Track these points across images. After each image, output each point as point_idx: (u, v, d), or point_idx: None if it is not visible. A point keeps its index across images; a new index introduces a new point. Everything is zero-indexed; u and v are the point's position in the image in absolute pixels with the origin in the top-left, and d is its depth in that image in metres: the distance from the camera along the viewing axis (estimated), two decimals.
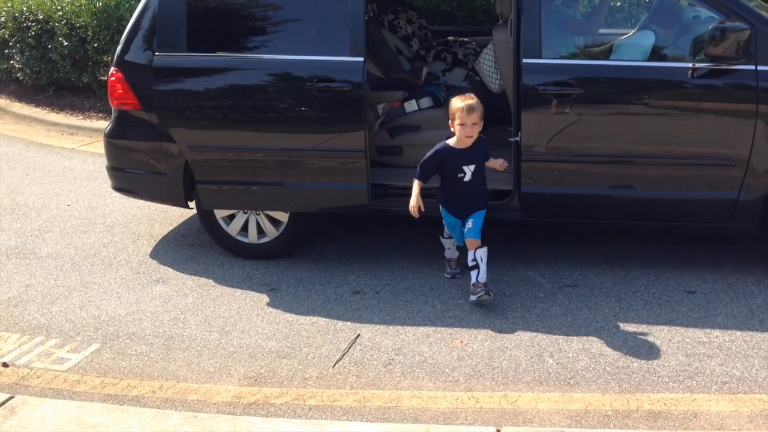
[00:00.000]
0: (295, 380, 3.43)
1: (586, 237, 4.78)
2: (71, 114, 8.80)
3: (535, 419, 3.06)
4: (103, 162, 5.13)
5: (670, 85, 4.01)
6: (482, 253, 3.94)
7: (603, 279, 4.25)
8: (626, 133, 4.07)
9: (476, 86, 5.69)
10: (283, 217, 4.64)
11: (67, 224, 5.52)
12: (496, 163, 4.09)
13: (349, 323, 3.91)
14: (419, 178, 4.00)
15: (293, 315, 4.03)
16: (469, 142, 3.94)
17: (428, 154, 4.01)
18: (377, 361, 3.55)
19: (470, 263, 3.94)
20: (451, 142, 4.00)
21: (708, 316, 3.79)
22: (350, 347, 3.68)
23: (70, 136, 8.22)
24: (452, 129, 3.96)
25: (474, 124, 3.89)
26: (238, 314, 4.07)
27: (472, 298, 3.94)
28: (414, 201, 3.94)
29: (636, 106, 4.04)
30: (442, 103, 4.99)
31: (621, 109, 4.08)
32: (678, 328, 3.70)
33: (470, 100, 3.89)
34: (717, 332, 3.65)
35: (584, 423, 3.02)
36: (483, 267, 3.93)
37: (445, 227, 4.26)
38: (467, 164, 3.99)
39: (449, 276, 4.34)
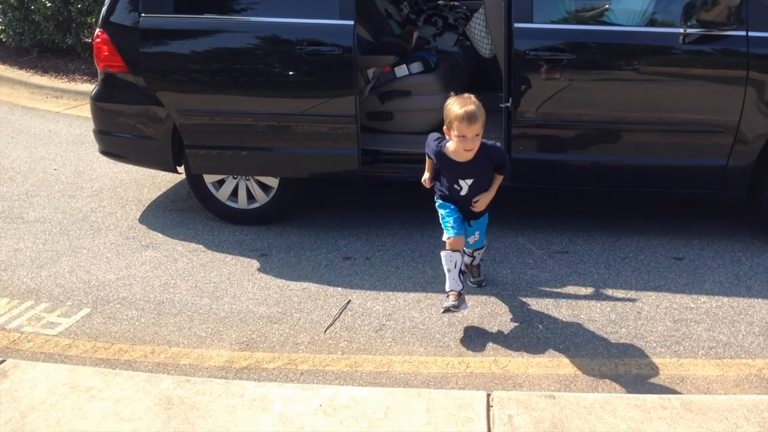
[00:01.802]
0: (287, 345, 3.45)
1: (575, 204, 4.80)
2: (56, 76, 8.67)
3: (525, 384, 3.10)
4: (89, 126, 5.08)
5: (661, 51, 4.00)
6: (482, 251, 3.81)
7: (592, 246, 4.28)
8: (617, 99, 4.06)
9: (467, 51, 5.66)
10: (273, 182, 4.62)
11: (54, 188, 5.47)
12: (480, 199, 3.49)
13: (339, 289, 3.92)
14: (433, 154, 3.48)
15: (284, 281, 4.03)
16: (469, 156, 3.33)
17: (427, 146, 3.48)
18: (368, 327, 3.57)
19: (467, 254, 3.75)
20: (449, 148, 3.38)
21: (695, 282, 3.84)
22: (341, 313, 3.70)
23: (54, 99, 8.11)
24: (447, 137, 3.36)
25: (477, 135, 3.24)
26: (229, 280, 4.07)
27: (471, 281, 3.83)
28: (429, 174, 3.57)
29: (627, 71, 4.03)
30: (432, 68, 4.96)
31: (612, 74, 4.07)
32: (666, 294, 3.74)
33: (471, 105, 3.20)
34: (704, 298, 3.69)
35: (573, 387, 3.06)
36: (478, 255, 3.79)
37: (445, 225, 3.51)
38: (463, 178, 3.42)
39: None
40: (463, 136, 3.21)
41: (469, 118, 3.16)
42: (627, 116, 4.07)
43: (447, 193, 3.49)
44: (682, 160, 4.09)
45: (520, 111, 4.12)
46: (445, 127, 3.29)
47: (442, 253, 3.45)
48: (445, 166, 3.41)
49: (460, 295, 3.40)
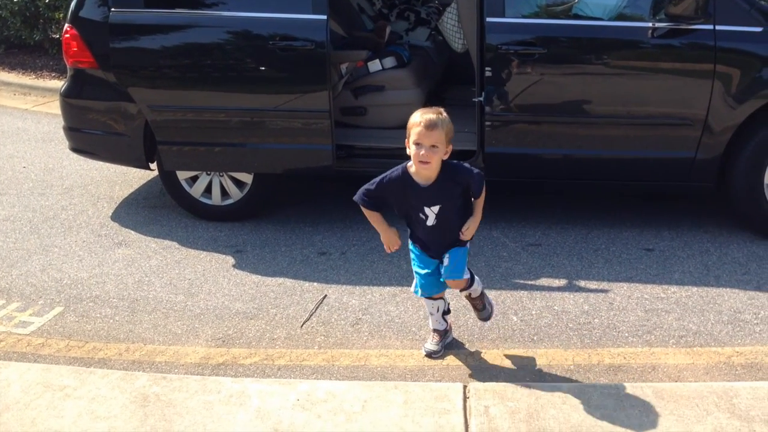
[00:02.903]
0: (263, 341, 3.45)
1: (548, 197, 4.85)
2: (23, 73, 8.53)
3: (501, 375, 3.13)
4: (58, 123, 5.01)
5: (631, 45, 4.05)
6: (472, 291, 3.18)
7: (565, 238, 4.33)
8: (588, 93, 4.12)
9: (439, 45, 5.69)
10: (247, 178, 4.60)
11: (24, 186, 5.40)
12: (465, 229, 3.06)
13: (315, 284, 3.92)
14: (359, 202, 3.05)
15: (260, 276, 4.02)
16: (425, 173, 2.91)
17: (377, 178, 3.02)
18: (345, 321, 3.58)
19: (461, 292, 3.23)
20: (411, 168, 2.99)
21: (665, 273, 3.90)
22: (317, 308, 3.70)
23: (22, 96, 7.98)
24: (407, 150, 2.93)
25: (433, 146, 2.83)
26: (204, 276, 4.05)
27: (478, 315, 3.32)
28: (384, 236, 3.10)
29: (597, 65, 4.09)
30: (405, 63, 4.98)
31: (582, 68, 4.12)
32: (637, 284, 3.80)
33: (433, 114, 2.85)
34: (674, 288, 3.76)
35: (548, 378, 3.10)
36: (475, 288, 3.18)
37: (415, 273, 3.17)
38: (428, 204, 2.98)
39: (425, 353, 3.26)
40: (418, 144, 2.83)
41: (428, 124, 2.81)
42: (598, 110, 4.12)
43: (413, 229, 3.10)
44: (651, 152, 4.15)
45: (493, 105, 4.15)
46: (406, 139, 2.92)
47: (424, 300, 3.25)
48: (408, 190, 2.98)
49: (445, 334, 3.28)
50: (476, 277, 3.18)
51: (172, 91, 4.34)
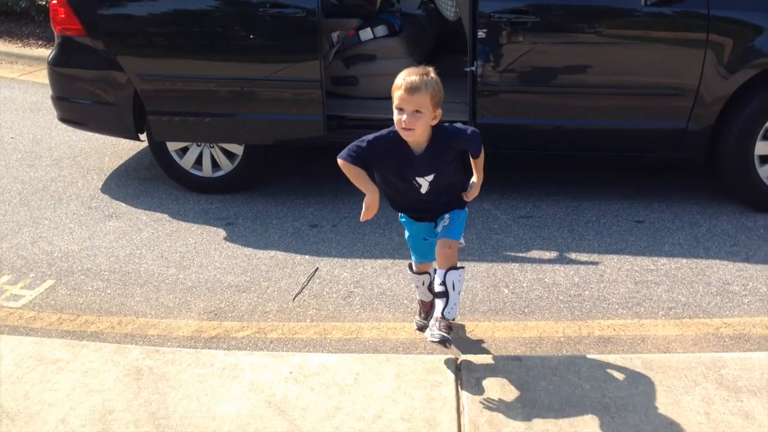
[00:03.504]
0: (256, 314, 3.46)
1: (539, 169, 4.85)
2: (9, 41, 8.40)
3: (492, 347, 3.16)
4: (46, 92, 4.96)
5: (624, 13, 4.01)
6: (456, 277, 2.79)
7: (556, 210, 4.33)
8: (580, 62, 4.10)
9: (431, 14, 5.62)
10: (237, 149, 4.58)
11: (12, 158, 5.35)
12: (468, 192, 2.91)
13: (307, 257, 3.93)
14: (344, 158, 2.73)
15: (251, 249, 4.02)
16: (409, 137, 2.66)
17: (368, 136, 2.75)
18: (336, 294, 3.59)
19: (437, 288, 2.82)
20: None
21: (655, 245, 3.92)
22: (309, 280, 3.71)
23: (9, 65, 7.87)
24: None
25: (416, 111, 2.58)
26: (195, 249, 4.04)
27: (429, 336, 2.77)
28: (369, 198, 2.75)
29: (589, 34, 4.06)
30: (397, 31, 4.92)
31: (575, 38, 4.10)
32: (627, 256, 3.82)
33: (416, 76, 2.58)
34: (664, 260, 3.78)
35: (538, 350, 3.13)
36: (454, 297, 2.79)
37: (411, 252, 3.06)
38: (422, 174, 2.76)
39: (416, 327, 3.24)
40: (400, 109, 2.59)
41: (410, 87, 2.55)
42: (590, 80, 4.11)
43: (402, 196, 2.87)
44: (643, 123, 4.14)
45: (485, 75, 4.12)
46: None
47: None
48: (402, 161, 2.73)
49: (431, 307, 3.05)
50: (464, 271, 2.85)
51: (162, 60, 4.29)
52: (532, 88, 4.17)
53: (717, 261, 3.74)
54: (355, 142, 2.74)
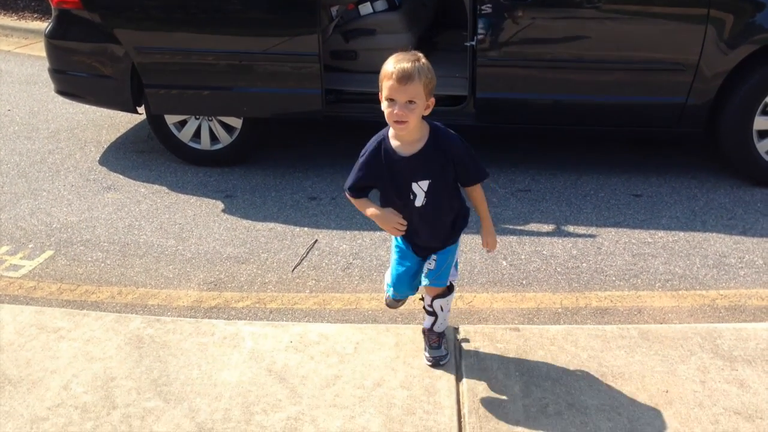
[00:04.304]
0: (255, 285, 3.48)
1: (537, 143, 4.86)
2: (4, 14, 8.33)
3: (490, 318, 3.18)
4: (42, 65, 4.93)
5: None
6: (444, 302, 2.68)
7: (554, 184, 4.35)
8: (581, 37, 4.08)
9: None
10: (236, 123, 4.57)
11: (9, 130, 5.33)
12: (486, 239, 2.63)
13: (306, 229, 3.94)
14: (348, 192, 2.55)
15: (250, 221, 4.03)
16: (402, 133, 2.40)
17: (357, 162, 2.52)
18: (335, 266, 3.61)
19: (426, 307, 2.74)
20: (391, 135, 2.48)
21: (653, 218, 3.94)
22: (308, 252, 3.72)
23: (4, 37, 7.82)
24: (382, 106, 2.38)
25: (409, 102, 2.31)
26: (194, 221, 4.05)
27: (425, 360, 2.73)
28: (383, 219, 2.52)
29: (590, 9, 4.04)
30: (397, 6, 4.90)
31: (576, 12, 4.07)
32: (625, 229, 3.84)
33: (408, 62, 2.30)
34: (661, 233, 3.80)
35: (536, 320, 3.16)
36: (443, 316, 2.72)
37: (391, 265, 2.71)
38: (416, 179, 2.45)
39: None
40: (392, 100, 2.31)
41: (401, 76, 2.28)
42: (591, 54, 4.10)
43: (398, 211, 2.52)
44: (643, 98, 4.14)
45: (485, 49, 4.11)
46: (379, 92, 2.39)
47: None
48: (393, 169, 2.45)
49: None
50: (452, 293, 2.72)
51: (159, 33, 4.27)
52: (532, 63, 4.16)
53: (714, 234, 3.77)
54: (350, 177, 2.52)
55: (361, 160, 2.50)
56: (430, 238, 2.58)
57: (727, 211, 3.98)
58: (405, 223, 2.52)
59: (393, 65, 2.32)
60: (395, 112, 2.32)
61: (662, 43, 4.01)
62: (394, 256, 2.68)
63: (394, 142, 2.45)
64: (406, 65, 2.30)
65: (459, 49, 4.32)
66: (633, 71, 4.09)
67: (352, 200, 2.58)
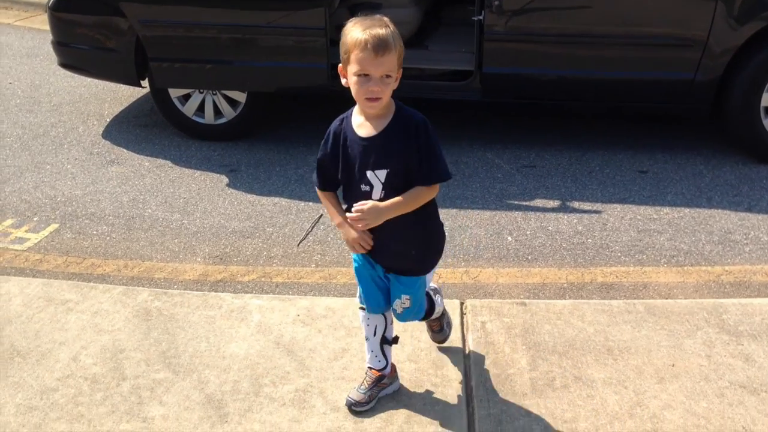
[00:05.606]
0: (261, 259, 3.48)
1: (543, 119, 4.84)
2: None
3: (496, 293, 3.19)
4: (43, 38, 4.90)
5: None
6: (433, 307, 2.48)
7: (559, 160, 4.34)
8: (589, 12, 4.05)
9: None
10: (240, 97, 4.54)
11: (11, 103, 5.30)
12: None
13: (311, 203, 3.93)
14: (315, 182, 2.25)
15: (255, 196, 4.03)
16: (374, 109, 2.06)
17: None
18: (341, 240, 3.60)
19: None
20: (354, 114, 2.17)
21: (659, 195, 3.94)
22: (314, 227, 3.73)
23: (4, 10, 7.74)
24: (344, 79, 2.08)
25: (386, 76, 2.00)
26: (199, 195, 4.04)
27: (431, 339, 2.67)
28: (348, 234, 2.17)
29: None
30: None
31: None
32: (630, 206, 3.84)
33: (381, 28, 1.97)
34: (667, 209, 3.80)
35: (541, 295, 3.17)
36: (438, 310, 2.53)
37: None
38: (373, 168, 2.10)
39: (345, 403, 2.41)
40: (366, 75, 1.98)
41: (376, 45, 1.94)
42: (599, 29, 4.07)
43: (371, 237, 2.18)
44: (651, 73, 4.12)
45: (493, 24, 4.08)
46: (340, 65, 2.07)
47: (359, 312, 2.44)
48: (347, 151, 2.13)
49: (379, 380, 2.41)
50: (438, 295, 2.53)
51: (164, 6, 4.23)
52: (539, 38, 4.13)
53: (719, 210, 3.77)
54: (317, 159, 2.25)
55: (322, 142, 2.20)
56: (385, 250, 2.20)
57: (732, 188, 3.97)
58: (371, 243, 2.17)
59: (362, 31, 1.96)
60: (371, 88, 1.99)
61: (671, 19, 3.98)
62: (355, 267, 2.32)
63: (356, 120, 2.13)
64: (380, 31, 1.96)
65: (465, 23, 4.28)
66: (641, 47, 4.07)
67: (319, 194, 2.25)
